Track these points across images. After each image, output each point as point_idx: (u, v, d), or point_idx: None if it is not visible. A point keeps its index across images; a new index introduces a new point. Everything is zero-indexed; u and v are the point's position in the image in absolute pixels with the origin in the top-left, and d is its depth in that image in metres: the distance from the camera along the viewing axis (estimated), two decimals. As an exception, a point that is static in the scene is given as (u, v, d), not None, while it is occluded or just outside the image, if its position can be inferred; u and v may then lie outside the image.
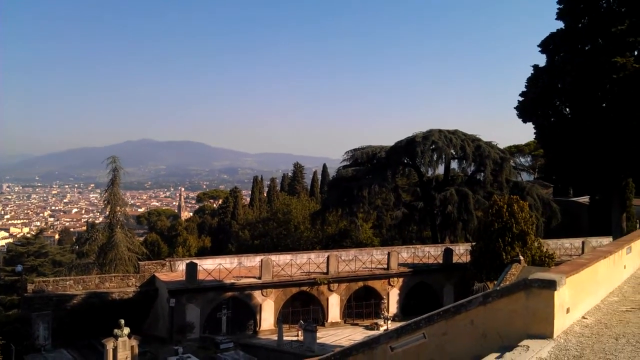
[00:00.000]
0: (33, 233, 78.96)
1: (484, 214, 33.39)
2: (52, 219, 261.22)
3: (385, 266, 35.90)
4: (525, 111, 38.02)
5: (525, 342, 6.00)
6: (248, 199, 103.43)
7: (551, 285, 6.09)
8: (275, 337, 29.67)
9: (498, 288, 6.76)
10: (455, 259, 37.48)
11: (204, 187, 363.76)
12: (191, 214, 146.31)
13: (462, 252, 38.18)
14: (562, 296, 6.32)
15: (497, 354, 5.89)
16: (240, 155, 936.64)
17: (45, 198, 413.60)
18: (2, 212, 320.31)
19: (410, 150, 46.66)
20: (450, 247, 39.12)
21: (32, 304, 30.72)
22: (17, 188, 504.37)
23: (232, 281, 31.83)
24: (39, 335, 28.75)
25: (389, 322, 32.27)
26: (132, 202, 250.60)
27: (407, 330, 7.71)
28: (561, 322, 6.44)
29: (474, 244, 32.79)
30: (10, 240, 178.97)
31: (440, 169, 50.36)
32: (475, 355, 6.43)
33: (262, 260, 32.92)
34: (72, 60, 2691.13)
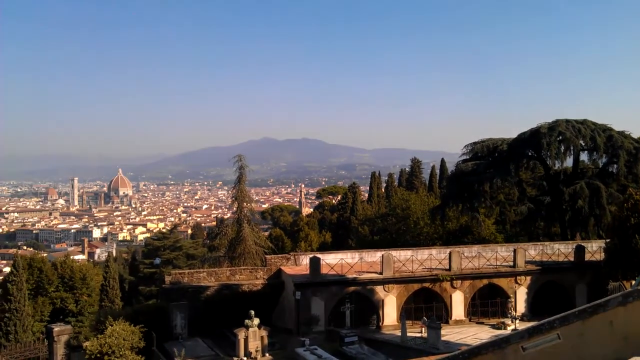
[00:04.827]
0: (168, 228, 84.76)
1: (619, 209, 31.36)
2: (184, 215, 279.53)
3: (511, 264, 34.74)
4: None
5: (672, 347, 5.76)
6: (366, 195, 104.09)
7: (701, 287, 5.78)
8: (398, 333, 29.78)
9: (639, 287, 6.52)
10: (587, 257, 35.48)
11: (323, 183, 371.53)
12: (311, 209, 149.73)
13: (595, 249, 36.06)
14: None
15: (641, 358, 5.71)
16: (357, 151, 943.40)
17: (178, 195, 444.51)
18: (140, 209, 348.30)
19: (534, 142, 44.78)
20: (582, 244, 37.07)
21: (169, 295, 32.80)
22: (152, 186, 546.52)
23: (354, 276, 32.41)
24: (177, 324, 30.46)
25: (517, 321, 31.23)
26: (256, 198, 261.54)
27: (540, 330, 7.61)
28: None
29: (607, 240, 30.93)
30: (148, 234, 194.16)
31: (569, 162, 47.85)
32: (615, 358, 6.25)
33: (383, 255, 33.18)
34: (196, 66, 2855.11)
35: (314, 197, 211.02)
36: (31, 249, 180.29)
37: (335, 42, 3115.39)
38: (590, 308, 6.81)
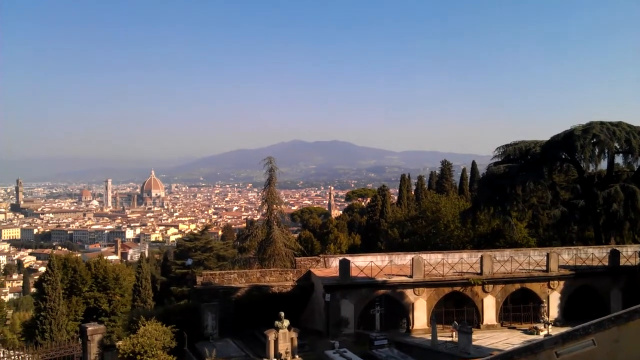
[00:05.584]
0: (199, 229, 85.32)
1: (656, 213, 30.68)
2: (215, 216, 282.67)
3: (544, 268, 34.19)
4: None
5: None
6: (396, 198, 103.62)
7: None
8: (428, 337, 29.58)
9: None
10: (622, 262, 34.76)
11: (352, 185, 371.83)
12: (341, 212, 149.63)
13: (630, 254, 35.45)
14: None
15: (679, 365, 5.60)
16: (386, 153, 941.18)
17: (209, 197, 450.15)
18: (172, 210, 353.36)
19: (568, 144, 43.93)
20: (617, 248, 36.31)
21: (200, 295, 33.08)
22: (184, 188, 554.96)
23: (384, 279, 32.25)
24: (208, 324, 30.63)
25: (550, 326, 30.70)
26: (285, 200, 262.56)
27: (574, 335, 7.50)
28: None
29: (643, 245, 30.27)
30: (179, 236, 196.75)
31: (603, 165, 46.79)
32: (652, 365, 6.13)
33: (413, 258, 32.98)
34: (227, 68, 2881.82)
35: (343, 200, 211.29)
36: (66, 249, 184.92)
37: (365, 45, 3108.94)
38: (626, 314, 6.69)
